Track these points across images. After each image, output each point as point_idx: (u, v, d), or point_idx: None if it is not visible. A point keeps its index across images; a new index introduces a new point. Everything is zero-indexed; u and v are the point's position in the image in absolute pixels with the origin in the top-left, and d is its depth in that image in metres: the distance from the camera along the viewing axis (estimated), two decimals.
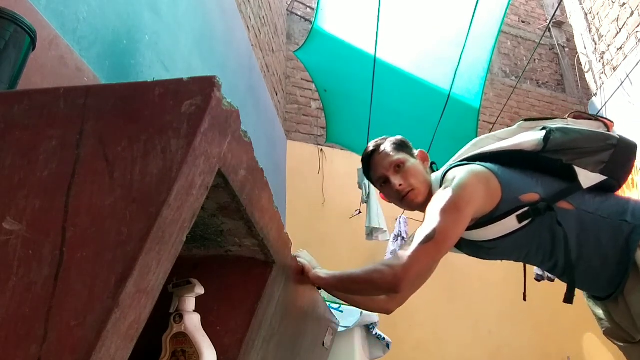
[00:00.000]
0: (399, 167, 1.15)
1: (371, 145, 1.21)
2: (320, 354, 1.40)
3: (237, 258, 0.71)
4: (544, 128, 1.09)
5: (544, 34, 4.83)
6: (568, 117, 1.16)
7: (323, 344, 1.40)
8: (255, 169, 0.54)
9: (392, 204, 1.22)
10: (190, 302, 0.66)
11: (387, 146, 1.18)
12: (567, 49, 5.89)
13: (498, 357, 3.93)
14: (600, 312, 1.13)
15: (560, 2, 4.48)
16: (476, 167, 1.06)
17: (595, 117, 1.14)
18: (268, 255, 0.69)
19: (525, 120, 1.17)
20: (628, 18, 4.62)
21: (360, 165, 4.10)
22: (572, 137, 1.05)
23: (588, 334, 4.22)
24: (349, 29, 3.02)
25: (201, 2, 1.84)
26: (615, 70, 4.73)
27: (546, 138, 1.05)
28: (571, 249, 1.00)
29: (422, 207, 1.12)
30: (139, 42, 1.29)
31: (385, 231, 3.29)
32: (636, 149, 1.08)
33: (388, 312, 1.17)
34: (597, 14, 5.21)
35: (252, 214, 0.57)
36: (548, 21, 5.66)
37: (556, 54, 5.90)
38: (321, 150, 4.17)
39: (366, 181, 3.35)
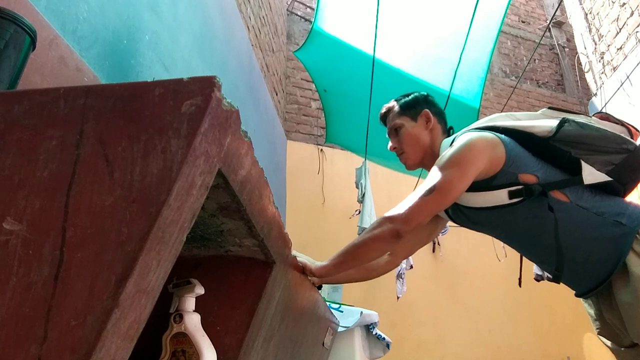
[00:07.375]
0: (396, 130, 1.26)
1: (385, 107, 1.33)
2: (320, 354, 1.39)
3: (237, 258, 0.71)
4: (564, 119, 1.07)
5: (544, 34, 4.83)
6: (594, 115, 1.13)
7: (323, 344, 1.39)
8: (255, 169, 0.54)
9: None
10: (190, 302, 0.66)
11: (395, 107, 1.29)
12: (567, 49, 5.89)
13: (498, 357, 3.93)
14: (593, 312, 1.11)
15: (560, 2, 4.47)
16: (487, 132, 1.08)
17: (622, 122, 1.11)
18: (268, 255, 0.69)
19: (550, 108, 1.16)
20: (628, 18, 4.62)
21: (359, 165, 4.06)
22: (587, 133, 1.03)
23: (588, 334, 4.22)
24: (349, 29, 3.02)
25: (201, 2, 1.84)
26: (615, 71, 4.73)
27: (559, 126, 1.04)
28: (560, 235, 1.00)
29: (426, 167, 1.22)
30: (139, 42, 1.29)
31: None
32: None
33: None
34: (597, 14, 5.21)
35: (252, 214, 0.57)
36: (548, 21, 5.66)
37: (556, 54, 5.90)
38: (321, 150, 4.17)
39: (362, 181, 3.35)
